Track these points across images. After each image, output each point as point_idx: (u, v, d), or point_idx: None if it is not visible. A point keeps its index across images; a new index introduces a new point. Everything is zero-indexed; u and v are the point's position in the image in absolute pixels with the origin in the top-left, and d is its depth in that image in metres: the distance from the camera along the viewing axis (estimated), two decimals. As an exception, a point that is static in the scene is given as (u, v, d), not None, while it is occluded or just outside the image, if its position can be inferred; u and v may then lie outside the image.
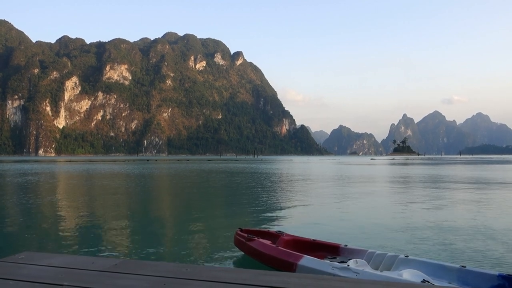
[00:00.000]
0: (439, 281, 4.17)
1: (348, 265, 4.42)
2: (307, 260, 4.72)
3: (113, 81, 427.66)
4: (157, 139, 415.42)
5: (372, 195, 15.90)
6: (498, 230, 8.35)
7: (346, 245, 5.45)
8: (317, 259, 4.81)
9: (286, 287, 2.29)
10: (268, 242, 5.65)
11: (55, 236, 7.99)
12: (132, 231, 8.52)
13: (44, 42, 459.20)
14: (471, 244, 7.06)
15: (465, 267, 4.26)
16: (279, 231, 6.19)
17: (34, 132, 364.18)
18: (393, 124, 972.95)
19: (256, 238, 5.76)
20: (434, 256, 6.05)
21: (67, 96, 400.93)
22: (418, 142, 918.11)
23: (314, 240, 5.81)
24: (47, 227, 9.13)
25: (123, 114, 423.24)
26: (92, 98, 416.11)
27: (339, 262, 4.72)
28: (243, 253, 6.09)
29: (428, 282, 3.85)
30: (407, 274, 4.19)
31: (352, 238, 7.43)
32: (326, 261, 4.78)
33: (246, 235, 5.98)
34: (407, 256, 4.72)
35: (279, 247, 5.33)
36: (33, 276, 2.49)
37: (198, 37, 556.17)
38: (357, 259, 4.71)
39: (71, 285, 2.33)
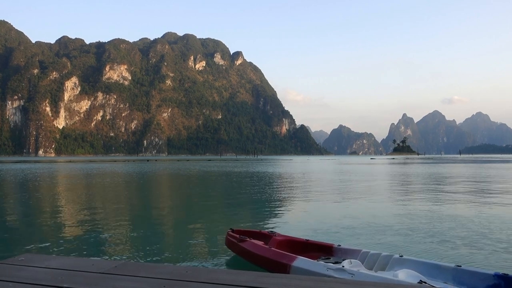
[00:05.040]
0: (434, 281, 4.10)
1: (343, 266, 4.34)
2: (300, 261, 4.61)
3: (113, 81, 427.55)
4: (157, 139, 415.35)
5: (368, 195, 15.88)
6: (495, 229, 8.34)
7: (340, 245, 5.36)
8: (311, 260, 4.71)
9: None
10: (260, 243, 5.55)
11: (55, 238, 7.97)
12: (132, 233, 8.52)
13: (44, 42, 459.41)
14: (466, 243, 6.98)
15: (460, 266, 4.20)
16: (272, 231, 6.08)
17: (34, 133, 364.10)
18: (393, 124, 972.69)
19: (248, 239, 5.63)
20: (429, 256, 5.95)
21: (66, 96, 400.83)
22: (418, 141, 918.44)
23: (307, 240, 5.71)
24: (47, 228, 9.12)
25: (123, 114, 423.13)
26: (92, 98, 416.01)
27: (333, 263, 4.65)
28: (234, 254, 5.96)
29: (426, 283, 3.77)
30: (403, 274, 4.13)
31: (345, 238, 7.39)
32: (320, 262, 4.69)
33: (238, 236, 5.85)
34: (401, 256, 4.65)
35: (272, 248, 5.21)
36: (32, 278, 2.49)
37: (198, 37, 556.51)
38: (351, 260, 4.64)
39: (70, 287, 2.33)
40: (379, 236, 7.65)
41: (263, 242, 5.62)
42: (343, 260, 4.76)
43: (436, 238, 7.46)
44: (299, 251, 5.35)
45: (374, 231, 8.21)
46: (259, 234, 6.14)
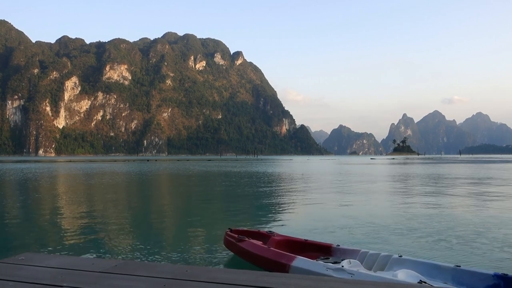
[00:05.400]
0: (434, 281, 4.11)
1: (342, 266, 4.33)
2: (300, 261, 4.59)
3: (113, 81, 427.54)
4: (157, 139, 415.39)
5: (368, 195, 15.90)
6: (494, 229, 8.35)
7: (339, 245, 5.34)
8: (310, 260, 4.69)
9: None
10: (259, 242, 5.53)
11: (55, 237, 8.01)
12: (131, 232, 8.56)
13: (44, 42, 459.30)
14: (465, 243, 6.99)
15: (459, 266, 4.20)
16: (270, 231, 6.08)
17: (34, 132, 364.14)
18: (393, 124, 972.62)
19: (246, 239, 5.61)
20: (428, 256, 5.94)
21: (67, 96, 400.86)
22: (418, 141, 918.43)
23: (305, 240, 5.70)
24: (47, 228, 9.15)
25: (123, 114, 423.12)
26: (92, 98, 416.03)
27: (332, 263, 4.64)
28: (233, 254, 5.96)
29: (426, 283, 3.74)
30: (402, 275, 4.12)
31: (344, 238, 7.39)
32: (319, 262, 4.68)
33: (236, 235, 5.83)
34: (400, 256, 4.64)
35: (271, 248, 5.19)
36: (32, 277, 2.49)
37: (198, 37, 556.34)
38: (350, 260, 4.63)
39: (70, 286, 2.33)
40: (378, 236, 7.62)
41: (261, 242, 5.58)
42: (342, 260, 4.75)
43: (435, 238, 7.42)
44: (298, 251, 5.33)
45: (373, 231, 8.21)
46: (257, 234, 6.11)
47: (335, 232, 8.11)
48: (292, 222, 9.45)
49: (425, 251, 6.41)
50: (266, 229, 6.69)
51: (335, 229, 8.40)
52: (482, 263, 5.74)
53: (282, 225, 8.91)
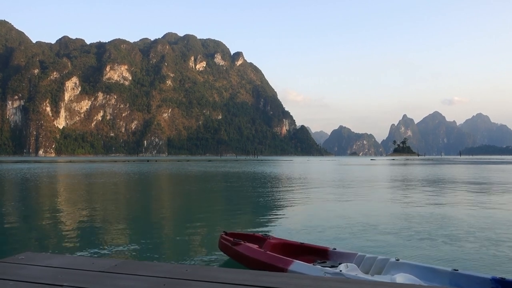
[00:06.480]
0: (431, 285, 4.08)
1: (340, 270, 4.32)
2: (297, 265, 4.55)
3: (113, 81, 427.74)
4: (157, 140, 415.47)
5: (366, 196, 15.90)
6: (492, 232, 8.35)
7: (335, 249, 5.29)
8: (307, 264, 4.66)
9: None
10: (254, 246, 5.47)
11: (55, 236, 8.07)
12: (131, 232, 8.61)
13: (44, 42, 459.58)
14: (463, 246, 6.99)
15: (457, 270, 4.19)
16: (265, 235, 6.03)
17: (34, 133, 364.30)
18: (393, 125, 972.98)
19: (242, 242, 5.54)
20: (425, 259, 5.89)
21: (67, 96, 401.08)
22: (418, 142, 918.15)
23: (301, 243, 5.64)
24: (47, 227, 9.20)
25: (123, 115, 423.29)
26: (92, 99, 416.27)
27: (329, 267, 4.62)
28: (228, 257, 5.92)
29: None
30: (400, 278, 4.12)
31: (340, 241, 7.37)
32: (317, 265, 4.66)
33: (231, 239, 5.75)
34: (398, 260, 4.60)
35: (267, 252, 5.14)
36: (33, 276, 2.50)
37: (198, 37, 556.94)
38: (348, 263, 4.61)
39: (70, 285, 2.35)
40: (374, 239, 7.60)
41: (257, 246, 5.54)
42: (339, 264, 4.73)
43: (433, 241, 7.43)
44: (294, 255, 5.28)
45: (370, 234, 8.21)
46: (252, 237, 6.04)
47: (331, 235, 8.09)
48: (288, 225, 9.44)
49: (422, 254, 6.36)
50: (262, 232, 6.60)
51: (331, 232, 8.39)
52: (480, 267, 5.68)
53: (278, 228, 8.92)
